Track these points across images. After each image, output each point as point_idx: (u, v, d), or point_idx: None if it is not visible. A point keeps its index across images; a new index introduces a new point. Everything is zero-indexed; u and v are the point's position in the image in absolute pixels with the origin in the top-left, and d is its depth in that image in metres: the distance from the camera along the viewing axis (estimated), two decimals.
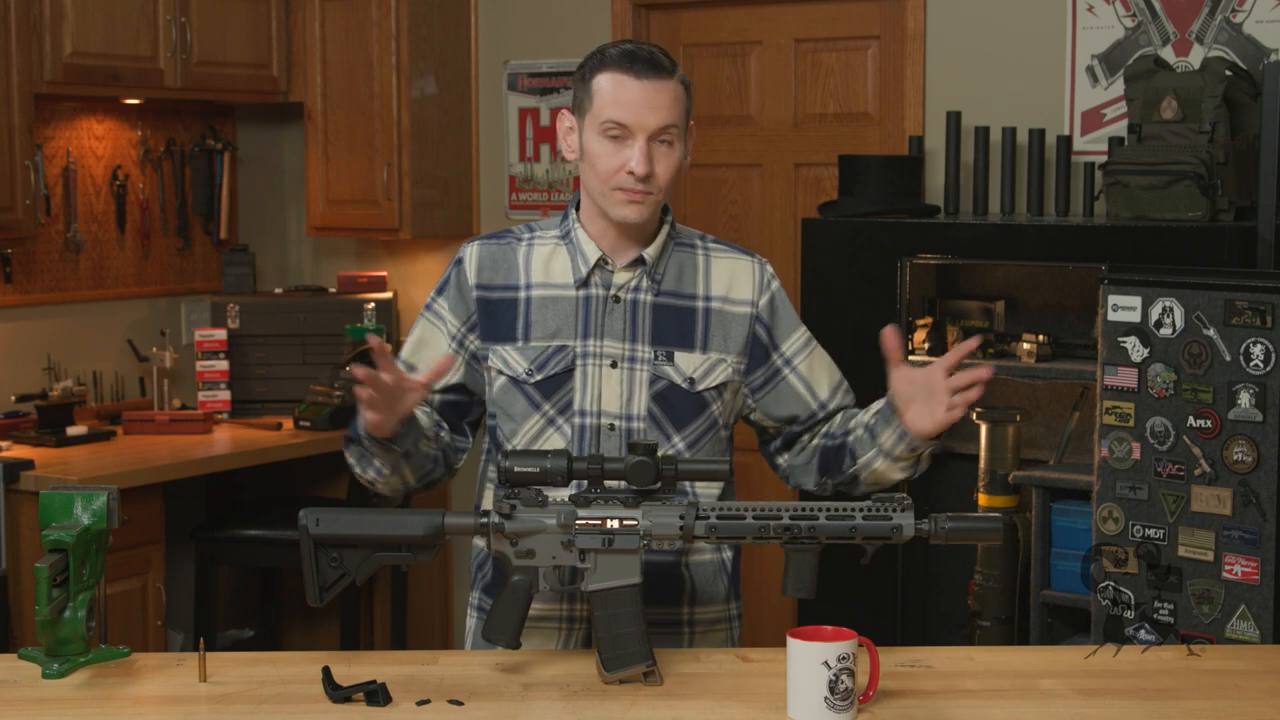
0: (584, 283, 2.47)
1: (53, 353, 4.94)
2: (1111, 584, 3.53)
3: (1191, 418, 3.41)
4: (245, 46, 5.13)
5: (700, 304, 2.50)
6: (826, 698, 2.03)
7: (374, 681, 2.14)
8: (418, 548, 2.23)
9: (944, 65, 4.52)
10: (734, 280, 2.52)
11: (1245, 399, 3.34)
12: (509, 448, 2.45)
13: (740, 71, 4.94)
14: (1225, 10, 4.10)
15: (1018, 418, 4.05)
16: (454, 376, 2.50)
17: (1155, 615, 3.47)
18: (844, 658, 2.03)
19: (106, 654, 2.30)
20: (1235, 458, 3.35)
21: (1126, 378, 3.50)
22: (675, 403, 2.46)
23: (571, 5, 5.15)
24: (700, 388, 2.47)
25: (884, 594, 4.13)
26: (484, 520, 2.22)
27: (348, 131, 5.24)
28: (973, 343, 2.36)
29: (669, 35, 5.02)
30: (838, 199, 4.31)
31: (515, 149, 5.32)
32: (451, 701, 2.13)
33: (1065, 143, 4.19)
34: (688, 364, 2.47)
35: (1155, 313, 3.45)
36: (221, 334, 5.22)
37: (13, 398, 4.76)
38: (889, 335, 2.33)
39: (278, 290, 5.53)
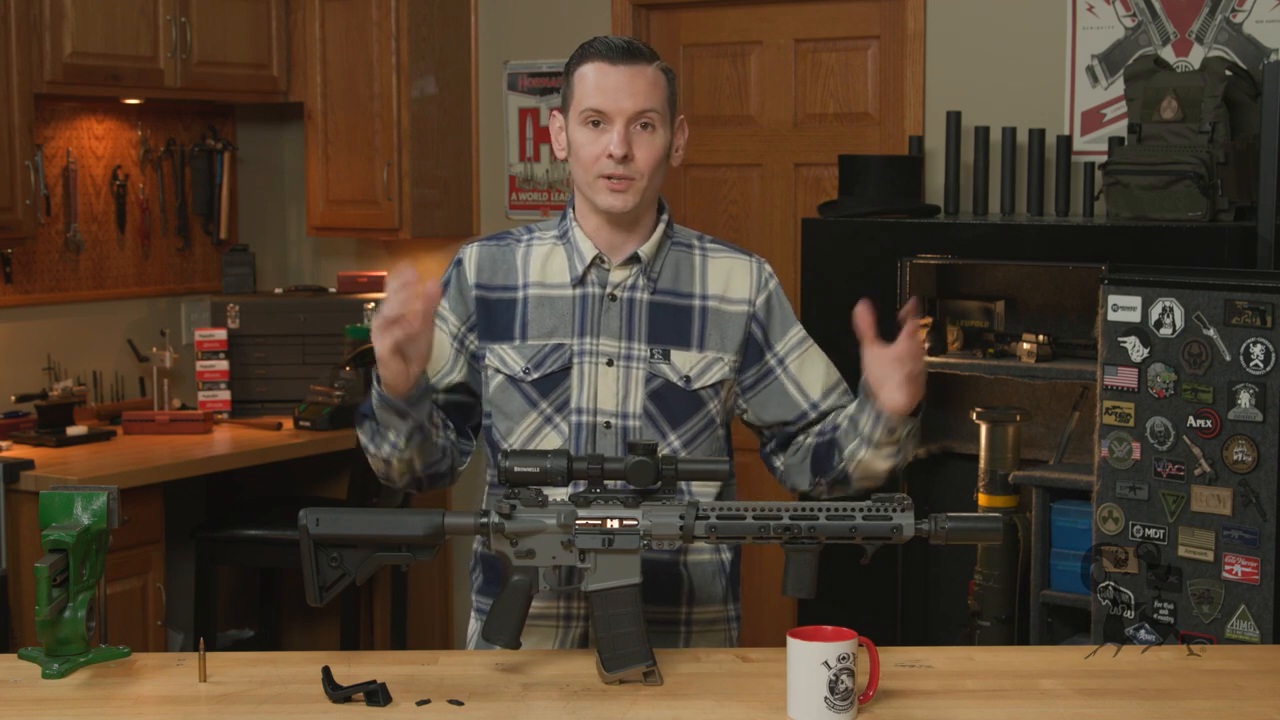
0: (580, 281, 2.47)
1: (53, 353, 4.94)
2: (1111, 584, 3.53)
3: (1191, 418, 3.41)
4: (245, 46, 5.12)
5: (697, 303, 2.49)
6: (826, 698, 2.03)
7: (374, 681, 2.14)
8: (418, 548, 2.23)
9: (944, 65, 4.52)
10: (731, 279, 2.51)
11: (1245, 399, 3.34)
12: (506, 447, 2.45)
13: (740, 71, 4.94)
14: (1225, 10, 4.10)
15: (1018, 418, 4.05)
16: (456, 375, 2.51)
17: (1155, 615, 3.47)
18: (844, 658, 2.03)
19: (106, 654, 2.30)
20: (1235, 458, 3.35)
21: (1126, 378, 3.50)
22: (671, 401, 2.46)
23: (571, 5, 5.15)
24: (696, 386, 2.47)
25: (884, 594, 4.13)
26: (484, 520, 2.22)
27: (348, 131, 5.24)
28: (911, 303, 2.34)
29: (669, 35, 5.02)
30: (838, 199, 4.31)
31: (515, 149, 5.32)
32: (451, 701, 2.13)
33: (1065, 143, 4.19)
34: (684, 362, 2.47)
35: (1155, 313, 3.45)
36: (221, 334, 5.22)
37: (13, 398, 4.76)
38: (861, 313, 2.30)
39: (278, 290, 5.53)
